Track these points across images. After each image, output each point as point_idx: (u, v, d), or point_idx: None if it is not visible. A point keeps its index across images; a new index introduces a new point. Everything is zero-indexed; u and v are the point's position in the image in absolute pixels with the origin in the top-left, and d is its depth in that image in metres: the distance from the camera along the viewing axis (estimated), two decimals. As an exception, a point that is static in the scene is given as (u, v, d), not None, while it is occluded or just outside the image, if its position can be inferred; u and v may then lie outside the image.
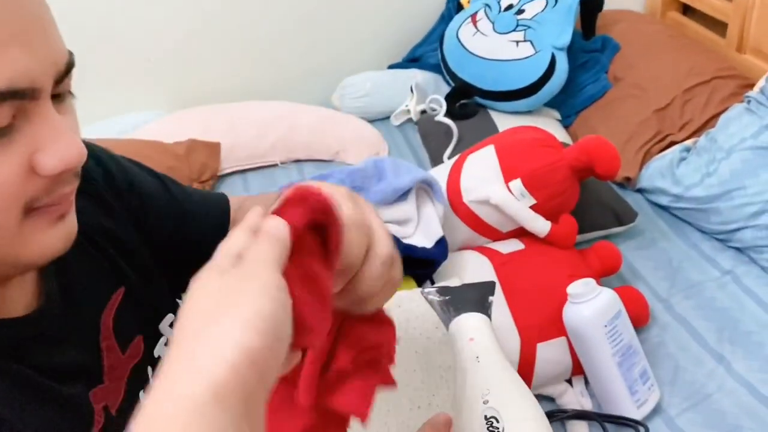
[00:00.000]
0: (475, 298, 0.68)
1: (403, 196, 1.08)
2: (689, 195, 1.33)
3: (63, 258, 0.51)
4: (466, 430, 0.57)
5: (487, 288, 0.69)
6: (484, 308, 0.67)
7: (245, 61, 1.76)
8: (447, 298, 0.68)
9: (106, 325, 0.58)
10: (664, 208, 1.39)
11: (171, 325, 0.68)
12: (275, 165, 1.61)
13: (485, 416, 0.55)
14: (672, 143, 1.45)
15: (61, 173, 0.45)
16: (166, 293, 0.69)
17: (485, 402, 0.56)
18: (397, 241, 1.03)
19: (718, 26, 1.73)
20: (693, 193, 1.32)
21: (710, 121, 1.46)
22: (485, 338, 0.63)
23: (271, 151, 1.62)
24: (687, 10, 1.88)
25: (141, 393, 0.60)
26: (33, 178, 0.44)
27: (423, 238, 1.05)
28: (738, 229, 1.26)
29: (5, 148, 0.42)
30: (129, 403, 0.58)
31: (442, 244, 1.06)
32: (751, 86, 1.46)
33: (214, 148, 1.59)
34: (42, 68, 0.43)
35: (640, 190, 1.44)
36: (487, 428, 0.54)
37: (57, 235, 0.48)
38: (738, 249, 1.28)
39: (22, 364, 0.49)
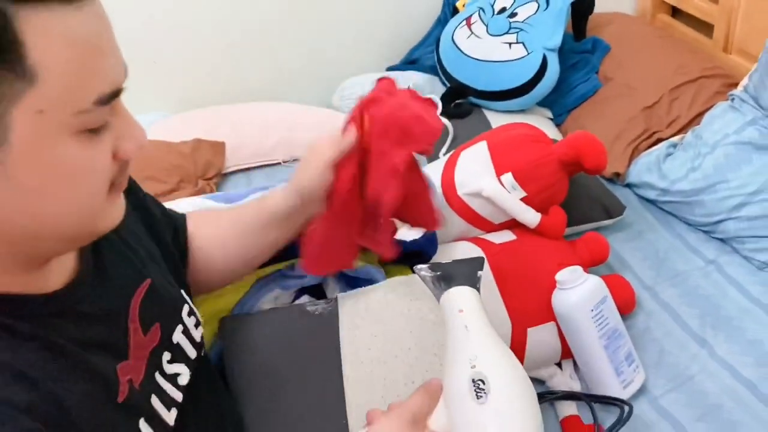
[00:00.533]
0: (465, 272, 0.73)
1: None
2: (675, 189, 1.38)
3: (98, 246, 0.61)
4: (454, 393, 0.62)
5: (476, 263, 0.75)
6: (473, 282, 0.72)
7: (249, 64, 1.82)
8: (438, 273, 0.74)
9: (134, 310, 0.65)
10: (651, 201, 1.44)
11: (189, 314, 0.75)
12: (278, 163, 1.67)
13: (472, 379, 0.59)
14: (659, 140, 1.51)
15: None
16: (177, 288, 0.76)
17: (473, 367, 0.61)
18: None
19: (706, 28, 1.78)
20: (678, 186, 1.37)
21: (696, 119, 1.51)
22: (474, 309, 0.68)
23: (273, 150, 1.67)
24: (676, 13, 1.94)
25: (156, 374, 0.66)
26: (115, 162, 0.53)
27: (413, 230, 1.10)
28: (721, 221, 1.31)
29: (103, 140, 0.51)
30: (148, 381, 0.64)
31: (431, 236, 1.10)
32: (736, 85, 1.52)
33: (219, 147, 1.64)
34: (123, 70, 0.52)
35: (629, 185, 1.49)
36: (474, 390, 0.59)
37: (121, 205, 0.57)
38: (721, 240, 1.33)
39: (58, 335, 0.55)
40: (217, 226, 0.91)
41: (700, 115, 1.50)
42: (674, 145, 1.47)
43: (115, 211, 0.57)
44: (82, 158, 0.50)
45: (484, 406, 0.58)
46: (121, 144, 0.53)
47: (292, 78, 1.85)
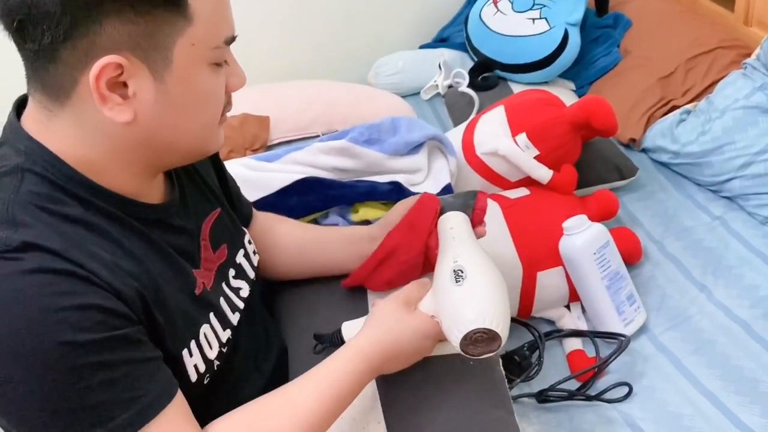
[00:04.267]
0: (459, 202, 0.89)
1: (415, 149, 1.26)
2: (685, 151, 1.46)
3: (180, 178, 0.78)
4: (439, 281, 0.77)
5: (470, 195, 0.89)
6: (465, 209, 0.87)
7: (289, 46, 1.96)
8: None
9: (205, 230, 0.82)
10: (664, 164, 1.53)
11: (248, 242, 0.91)
12: (317, 136, 1.80)
13: (453, 270, 0.74)
14: (674, 107, 1.58)
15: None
16: (237, 222, 0.92)
17: (455, 261, 0.75)
18: (403, 188, 1.21)
19: (731, 3, 1.84)
20: (689, 149, 1.46)
21: (710, 87, 1.58)
22: (461, 227, 0.84)
23: (313, 123, 1.81)
24: (702, -11, 2.00)
25: (223, 284, 0.82)
26: (225, 95, 0.70)
27: (431, 185, 1.22)
28: (728, 180, 1.39)
29: (221, 73, 0.69)
30: (217, 287, 0.81)
31: (447, 191, 1.22)
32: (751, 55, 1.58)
33: (264, 122, 1.79)
34: (234, 22, 0.69)
35: (645, 150, 1.58)
36: (454, 277, 0.73)
37: (222, 135, 0.74)
38: (728, 198, 1.41)
39: (156, 235, 0.72)
40: (294, 225, 1.06)
41: (715, 83, 1.57)
42: (688, 112, 1.55)
43: (220, 137, 0.74)
44: (212, 84, 0.68)
45: (462, 288, 0.72)
46: (229, 79, 0.70)
47: (330, 57, 1.98)
